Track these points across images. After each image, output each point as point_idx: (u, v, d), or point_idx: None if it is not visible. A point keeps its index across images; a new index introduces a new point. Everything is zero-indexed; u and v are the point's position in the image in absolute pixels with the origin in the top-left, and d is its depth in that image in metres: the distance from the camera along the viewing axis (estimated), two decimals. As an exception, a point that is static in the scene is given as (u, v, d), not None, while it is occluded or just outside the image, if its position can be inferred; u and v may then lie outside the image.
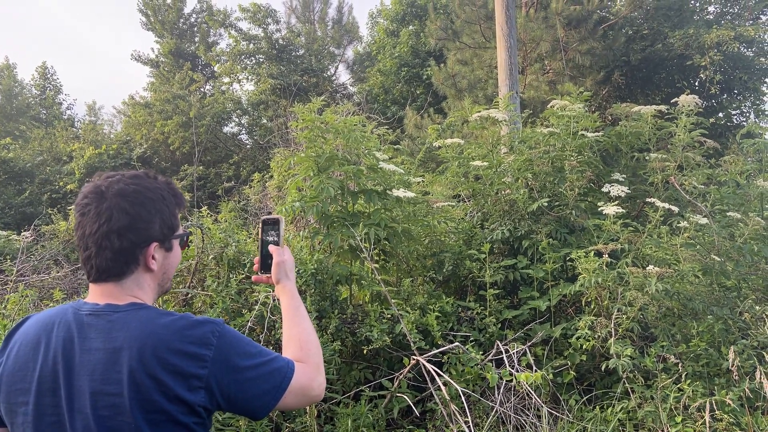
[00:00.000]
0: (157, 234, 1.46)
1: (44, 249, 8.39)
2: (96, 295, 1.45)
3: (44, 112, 27.56)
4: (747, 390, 3.43)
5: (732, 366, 3.43)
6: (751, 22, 14.25)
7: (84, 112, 28.77)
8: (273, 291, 3.55)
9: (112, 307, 1.41)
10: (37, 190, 15.98)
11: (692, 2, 14.70)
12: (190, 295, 4.34)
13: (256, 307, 3.80)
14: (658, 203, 4.21)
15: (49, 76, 29.15)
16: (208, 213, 5.53)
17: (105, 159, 16.08)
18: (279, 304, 2.32)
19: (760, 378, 3.29)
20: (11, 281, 5.89)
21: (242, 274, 4.21)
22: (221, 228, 4.70)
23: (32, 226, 9.22)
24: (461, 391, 3.53)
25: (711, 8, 15.28)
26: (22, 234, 8.17)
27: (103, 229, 1.39)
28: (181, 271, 4.48)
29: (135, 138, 18.40)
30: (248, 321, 3.73)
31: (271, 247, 1.75)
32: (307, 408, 3.47)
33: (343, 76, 24.40)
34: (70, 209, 11.10)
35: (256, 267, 1.78)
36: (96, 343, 1.35)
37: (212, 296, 4.07)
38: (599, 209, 4.30)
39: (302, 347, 1.57)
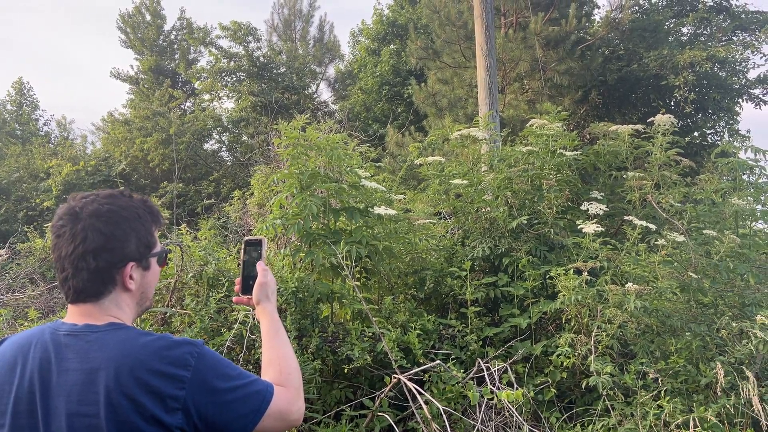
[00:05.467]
0: (133, 253, 1.45)
1: (19, 267, 8.22)
2: (74, 315, 1.43)
3: (20, 128, 27.15)
4: (727, 406, 3.46)
5: (718, 383, 3.46)
6: (723, 42, 14.61)
7: (55, 127, 28.31)
8: (253, 311, 3.52)
9: (91, 327, 1.40)
10: (12, 207, 15.71)
11: (667, 23, 15.04)
12: (168, 314, 4.28)
13: (235, 326, 3.76)
14: (636, 221, 4.26)
15: (25, 92, 28.78)
16: (187, 230, 5.48)
17: (83, 176, 15.88)
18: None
19: (746, 394, 3.33)
20: (-16, 300, 5.76)
21: (222, 292, 4.17)
22: (201, 246, 4.66)
23: (7, 244, 9.05)
24: (443, 409, 3.51)
25: (685, 29, 15.65)
26: (-4, 252, 8.01)
27: (79, 250, 1.38)
28: (159, 289, 4.42)
29: (114, 155, 18.21)
30: (227, 340, 3.69)
31: (259, 265, 1.74)
32: (288, 428, 3.43)
33: (325, 93, 24.44)
34: (47, 227, 10.93)
35: (237, 288, 1.76)
36: (73, 363, 1.34)
37: (191, 315, 4.03)
38: (578, 227, 4.34)
39: (282, 371, 1.56)
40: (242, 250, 1.77)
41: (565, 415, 3.94)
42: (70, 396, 1.31)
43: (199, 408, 1.35)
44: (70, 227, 1.40)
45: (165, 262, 1.60)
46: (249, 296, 1.72)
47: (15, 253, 9.26)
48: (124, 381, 1.30)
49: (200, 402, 1.35)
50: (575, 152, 4.96)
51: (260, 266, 1.73)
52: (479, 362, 3.95)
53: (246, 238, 1.79)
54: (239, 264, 1.81)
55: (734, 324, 3.85)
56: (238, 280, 1.76)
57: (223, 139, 20.36)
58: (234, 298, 1.77)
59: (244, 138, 19.41)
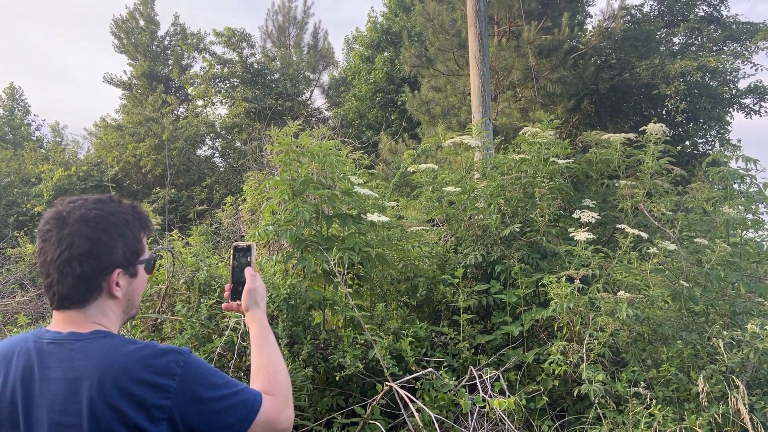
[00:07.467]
0: (120, 260, 1.42)
1: (9, 272, 8.17)
2: (59, 322, 1.40)
3: (11, 133, 26.97)
4: (716, 415, 3.47)
5: (702, 393, 3.46)
6: (714, 52, 14.72)
7: (48, 133, 28.06)
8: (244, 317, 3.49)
9: (75, 335, 1.37)
10: (3, 212, 15.60)
11: (658, 33, 15.14)
12: (159, 321, 4.25)
13: (226, 333, 3.74)
14: (628, 229, 4.27)
15: (17, 96, 28.62)
16: (179, 236, 5.45)
17: (75, 181, 15.79)
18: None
19: (734, 403, 3.33)
20: (-27, 306, 5.71)
21: (213, 299, 4.15)
22: (192, 252, 4.64)
23: (-3, 249, 8.99)
24: (434, 417, 3.50)
25: (676, 39, 15.75)
26: (-15, 257, 7.96)
27: (65, 256, 1.36)
28: (150, 295, 4.40)
29: (106, 160, 18.13)
30: (218, 347, 3.67)
31: (248, 270, 1.72)
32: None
33: (318, 100, 24.39)
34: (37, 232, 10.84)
35: (226, 294, 1.74)
36: (56, 372, 1.31)
37: (182, 322, 4.00)
38: (570, 235, 4.35)
39: (270, 379, 1.53)
40: (231, 256, 1.76)
41: (557, 423, 3.93)
42: (52, 406, 1.29)
43: (185, 418, 1.33)
44: (56, 232, 1.38)
45: (153, 269, 1.57)
46: (238, 302, 1.71)
47: (5, 259, 9.20)
48: (107, 390, 1.27)
49: (186, 412, 1.33)
50: (567, 160, 4.97)
51: (248, 272, 1.71)
52: (471, 370, 3.94)
53: (235, 243, 1.77)
54: (229, 270, 1.79)
55: (725, 332, 3.85)
56: (227, 286, 1.75)
57: (216, 145, 20.33)
58: (224, 305, 1.75)
59: (237, 144, 19.39)
